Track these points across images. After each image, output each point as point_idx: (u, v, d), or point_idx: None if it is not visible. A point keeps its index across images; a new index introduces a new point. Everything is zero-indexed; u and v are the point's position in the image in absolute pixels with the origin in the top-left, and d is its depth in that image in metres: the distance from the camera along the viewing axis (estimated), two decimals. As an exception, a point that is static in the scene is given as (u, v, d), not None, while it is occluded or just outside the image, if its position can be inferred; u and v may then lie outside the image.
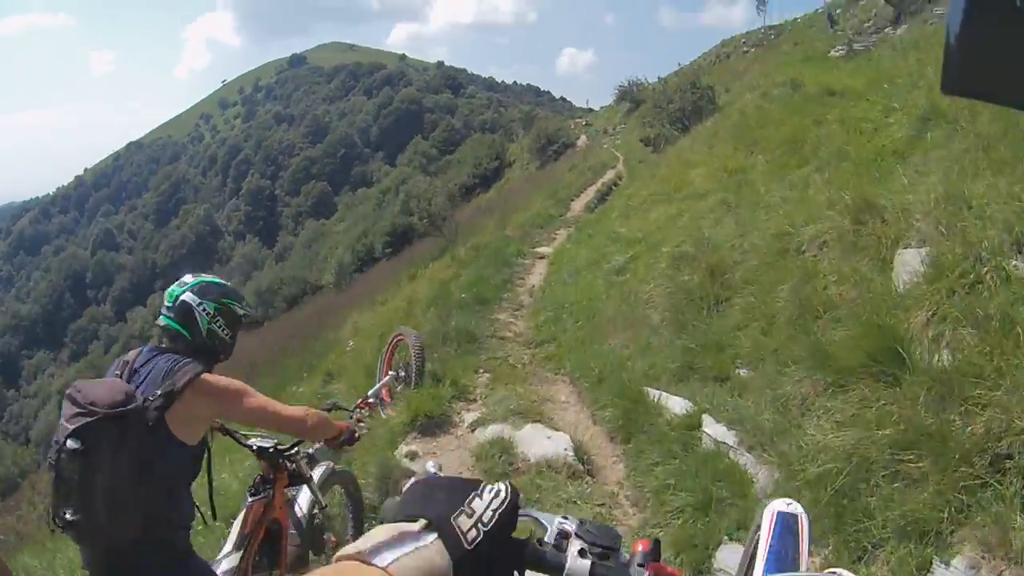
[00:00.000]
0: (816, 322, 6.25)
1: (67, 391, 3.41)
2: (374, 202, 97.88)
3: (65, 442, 3.20)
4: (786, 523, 2.84)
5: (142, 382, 3.55)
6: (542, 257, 18.72)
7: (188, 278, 3.93)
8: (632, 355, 9.01)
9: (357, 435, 4.56)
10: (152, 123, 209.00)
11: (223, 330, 3.90)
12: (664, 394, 7.38)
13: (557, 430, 7.73)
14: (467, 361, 10.34)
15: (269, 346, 30.02)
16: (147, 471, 3.34)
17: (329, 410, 7.22)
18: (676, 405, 7.02)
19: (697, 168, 14.48)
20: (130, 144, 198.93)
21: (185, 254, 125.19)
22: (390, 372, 9.43)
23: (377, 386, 8.98)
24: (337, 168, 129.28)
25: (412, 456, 7.78)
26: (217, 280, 4.00)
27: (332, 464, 5.41)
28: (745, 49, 55.15)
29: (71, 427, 3.21)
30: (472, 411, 8.69)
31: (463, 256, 20.35)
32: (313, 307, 50.08)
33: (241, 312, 4.01)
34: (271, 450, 4.45)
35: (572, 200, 27.58)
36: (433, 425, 8.37)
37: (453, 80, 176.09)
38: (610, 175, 31.95)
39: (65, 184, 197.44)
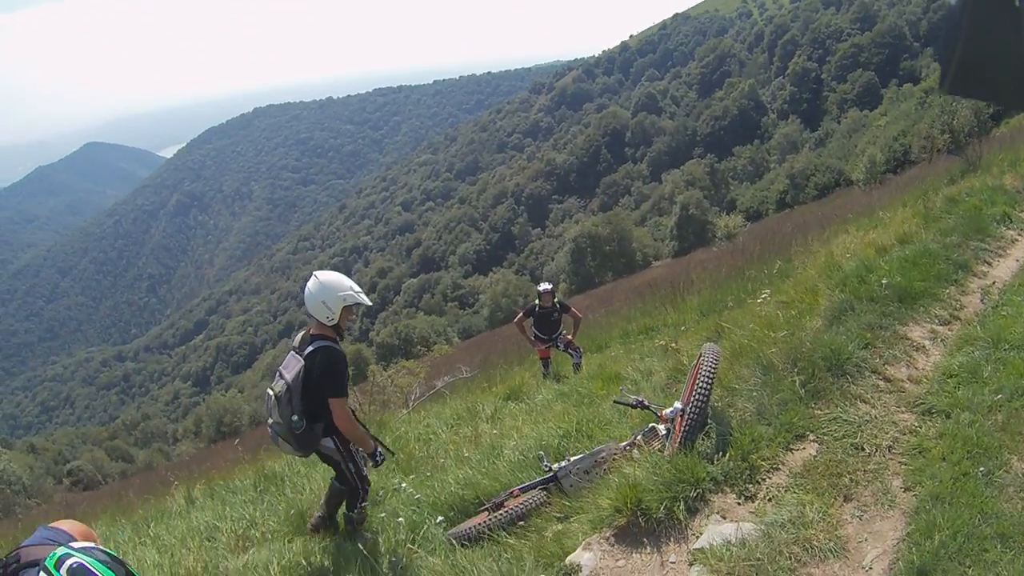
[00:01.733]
0: None
1: None
2: (916, 100, 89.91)
3: None
4: None
5: None
6: (1036, 229, 13.13)
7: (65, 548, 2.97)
8: (1010, 523, 4.76)
9: None
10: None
11: None
12: None
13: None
14: (794, 416, 6.35)
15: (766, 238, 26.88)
16: None
17: (634, 407, 6.92)
18: None
19: None
20: (676, 15, 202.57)
21: (727, 125, 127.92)
22: (676, 404, 6.52)
23: (674, 407, 6.50)
24: (885, 59, 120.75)
25: (569, 574, 5.33)
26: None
27: None
28: None
29: None
30: (728, 520, 5.35)
31: (936, 207, 14.20)
32: (838, 203, 46.46)
33: None
34: None
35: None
36: (645, 530, 5.38)
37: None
38: None
39: (610, 48, 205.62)
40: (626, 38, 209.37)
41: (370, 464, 6.92)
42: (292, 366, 6.53)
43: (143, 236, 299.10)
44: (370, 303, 7.06)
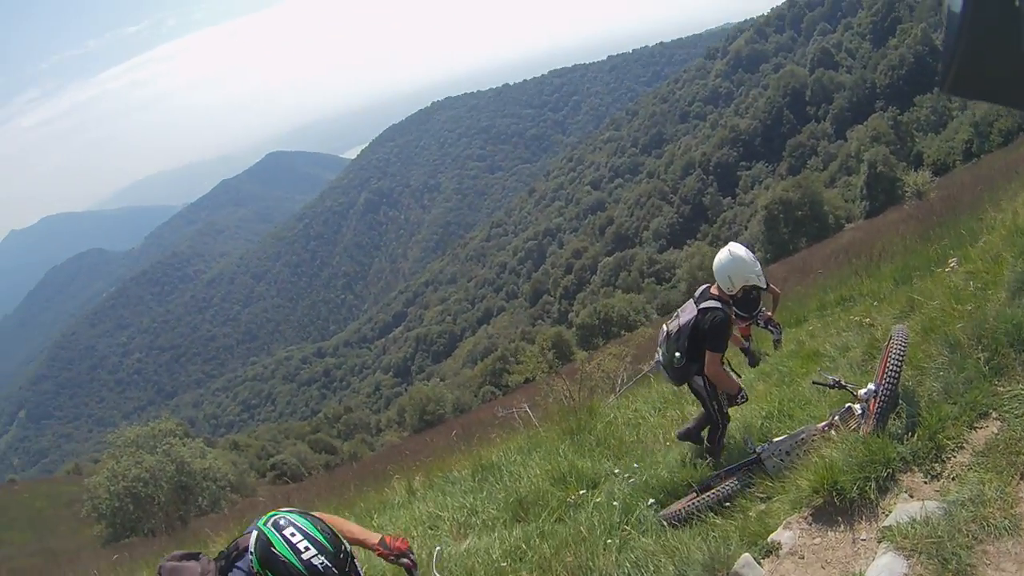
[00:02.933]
0: None
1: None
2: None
3: None
4: None
5: None
6: None
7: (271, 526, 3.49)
8: None
9: None
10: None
11: None
12: None
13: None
14: (978, 394, 6.20)
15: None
16: None
17: (831, 387, 7.24)
18: None
19: None
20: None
21: (904, 75, 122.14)
22: (870, 386, 6.69)
23: (868, 389, 6.65)
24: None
25: (771, 551, 5.82)
26: (285, 550, 3.38)
27: None
28: None
29: None
30: (914, 499, 5.62)
31: None
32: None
33: None
34: None
35: None
36: (839, 509, 5.78)
37: None
38: None
39: (778, 4, 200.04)
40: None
41: (737, 402, 8.03)
42: (688, 312, 7.88)
43: (334, 236, 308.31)
44: (764, 287, 8.54)
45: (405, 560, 4.36)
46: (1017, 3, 1.74)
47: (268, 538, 3.42)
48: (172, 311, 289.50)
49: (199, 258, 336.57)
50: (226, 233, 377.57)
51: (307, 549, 3.38)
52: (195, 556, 3.99)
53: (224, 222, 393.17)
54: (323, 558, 3.38)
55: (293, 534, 3.42)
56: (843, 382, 7.18)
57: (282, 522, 3.48)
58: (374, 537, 4.43)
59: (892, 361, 6.37)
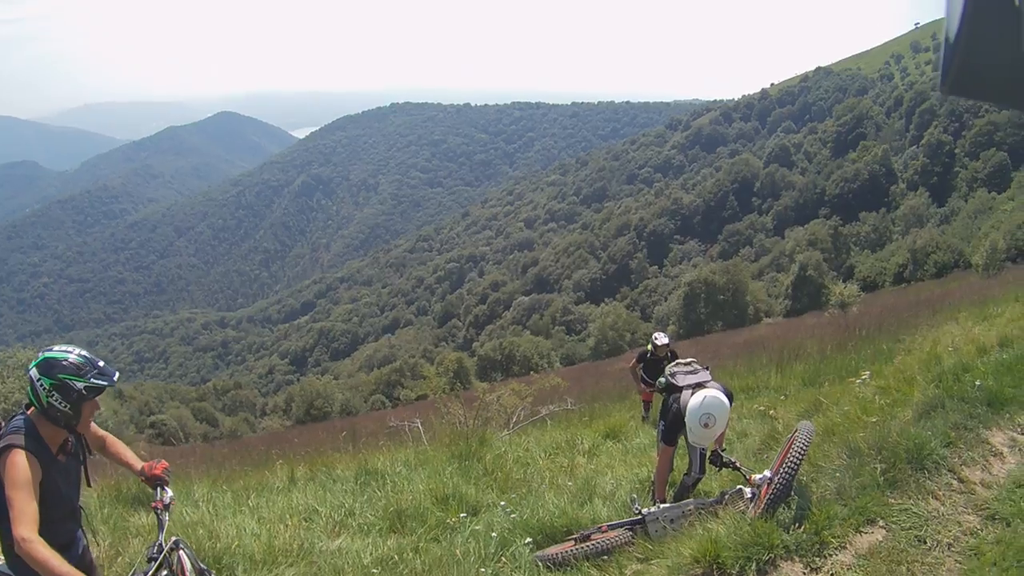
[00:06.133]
0: None
1: None
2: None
3: None
4: None
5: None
6: None
7: (41, 354, 4.53)
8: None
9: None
10: (842, 53, 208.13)
11: (60, 403, 4.43)
12: None
13: None
14: (870, 501, 6.47)
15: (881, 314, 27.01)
16: None
17: (726, 466, 7.74)
18: None
19: None
20: (818, 68, 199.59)
21: (856, 189, 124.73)
22: (765, 472, 6.91)
23: (764, 475, 6.88)
24: (1021, 141, 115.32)
25: None
26: (61, 356, 4.48)
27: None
28: None
29: None
30: None
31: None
32: (954, 285, 45.86)
33: (81, 386, 4.44)
34: None
35: None
36: None
37: None
38: None
39: (750, 93, 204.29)
40: (767, 86, 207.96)
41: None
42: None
43: (264, 210, 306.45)
44: (700, 447, 7.71)
45: (158, 501, 5.03)
46: (1017, 3, 1.73)
47: (43, 356, 4.47)
48: (89, 244, 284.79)
49: (128, 197, 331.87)
50: (160, 180, 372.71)
51: (72, 351, 4.55)
52: None
53: (161, 168, 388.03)
54: (86, 354, 4.56)
55: (58, 347, 4.58)
56: (738, 464, 7.32)
57: (47, 349, 4.56)
58: (138, 464, 5.20)
59: (794, 453, 6.49)
